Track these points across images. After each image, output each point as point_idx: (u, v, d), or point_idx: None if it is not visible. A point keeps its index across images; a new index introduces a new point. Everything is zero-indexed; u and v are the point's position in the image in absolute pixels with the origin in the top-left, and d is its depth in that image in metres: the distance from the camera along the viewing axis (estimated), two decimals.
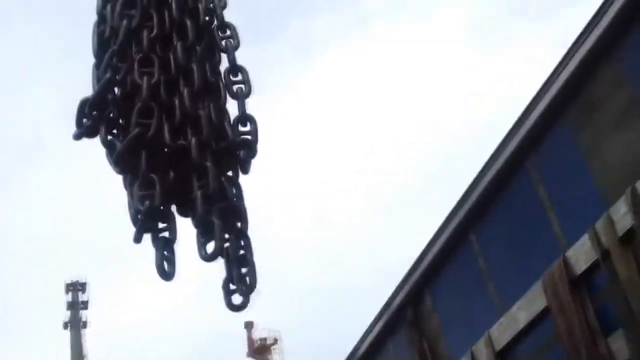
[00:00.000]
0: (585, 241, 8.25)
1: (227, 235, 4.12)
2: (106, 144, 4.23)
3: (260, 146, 4.38)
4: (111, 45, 4.43)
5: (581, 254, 8.35)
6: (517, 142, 9.41)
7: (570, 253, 8.51)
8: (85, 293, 58.03)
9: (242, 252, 4.11)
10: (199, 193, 4.05)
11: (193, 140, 4.15)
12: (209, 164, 4.12)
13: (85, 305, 57.78)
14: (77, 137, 4.31)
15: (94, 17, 4.66)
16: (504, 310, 9.64)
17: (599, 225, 8.02)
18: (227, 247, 4.12)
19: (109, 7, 4.54)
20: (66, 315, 57.19)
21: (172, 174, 4.11)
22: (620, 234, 7.73)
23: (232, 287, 4.10)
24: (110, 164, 4.17)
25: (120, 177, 4.21)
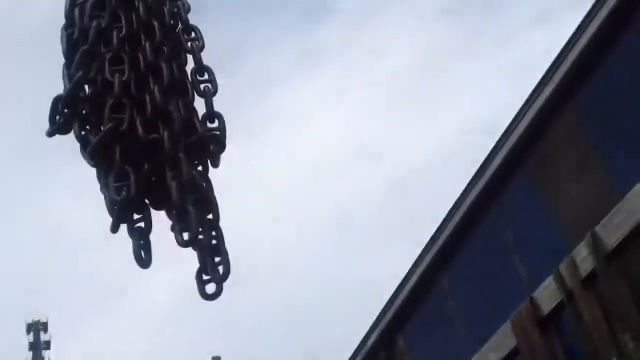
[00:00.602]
0: (550, 283, 8.66)
1: (199, 228, 4.43)
2: (80, 138, 4.39)
3: (228, 141, 4.69)
4: (80, 46, 4.60)
5: (547, 295, 8.75)
6: (481, 187, 9.84)
7: (537, 294, 8.91)
8: (48, 332, 56.96)
9: (214, 242, 4.26)
10: (173, 183, 4.24)
11: (165, 133, 4.34)
12: (181, 155, 4.31)
13: (47, 345, 56.69)
14: (51, 134, 4.48)
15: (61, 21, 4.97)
16: (475, 351, 9.99)
17: (563, 267, 8.44)
18: (200, 239, 4.23)
19: (77, 10, 4.84)
20: (28, 356, 56.07)
21: (146, 166, 4.27)
22: (583, 276, 8.15)
23: (205, 277, 4.23)
24: (85, 158, 4.34)
25: (94, 172, 4.51)
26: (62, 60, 4.89)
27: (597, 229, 8.02)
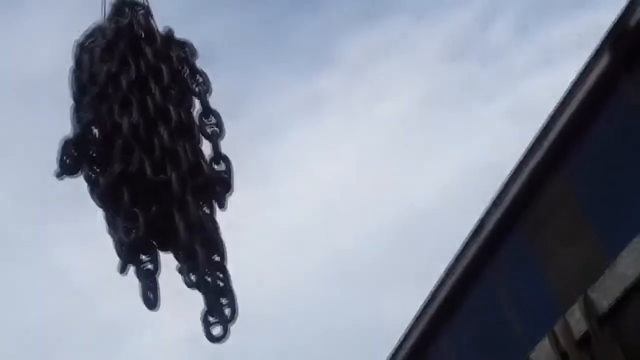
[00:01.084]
0: (546, 343, 8.75)
1: (206, 269, 4.38)
2: (89, 180, 4.51)
3: (234, 183, 4.73)
4: (88, 89, 4.78)
5: (543, 356, 8.83)
6: (476, 248, 10.02)
7: (534, 355, 8.99)
8: None
9: (221, 283, 4.35)
10: (181, 223, 4.33)
11: (173, 174, 4.46)
12: (189, 197, 4.42)
13: None
14: (59, 175, 4.59)
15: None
16: None
17: (557, 328, 8.54)
18: (207, 280, 4.36)
19: (87, 55, 4.89)
20: None
21: (153, 207, 4.37)
22: (577, 338, 8.25)
23: (210, 319, 4.34)
24: (94, 199, 4.44)
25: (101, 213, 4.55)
26: (68, 104, 5.03)
27: (589, 291, 8.14)
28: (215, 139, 4.86)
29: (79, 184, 4.81)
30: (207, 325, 4.35)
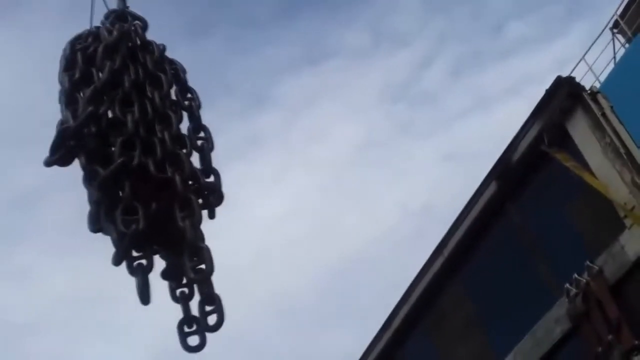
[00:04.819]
0: None
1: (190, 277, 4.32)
2: (87, 170, 4.44)
3: (224, 195, 4.67)
4: (83, 86, 4.74)
5: None
6: (385, 341, 11.12)
7: None
8: None
9: (208, 291, 4.25)
10: (186, 222, 4.30)
11: (177, 175, 4.44)
12: (192, 196, 4.43)
13: None
14: (49, 164, 4.55)
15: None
16: None
17: None
18: (182, 291, 4.30)
19: (79, 54, 4.99)
20: None
21: (153, 204, 4.31)
22: None
23: (186, 329, 4.25)
24: (90, 188, 4.37)
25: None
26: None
27: None
28: (206, 152, 4.89)
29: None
30: (182, 335, 4.26)
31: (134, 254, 4.27)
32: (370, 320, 11.26)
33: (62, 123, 4.66)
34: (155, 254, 4.32)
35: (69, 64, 4.97)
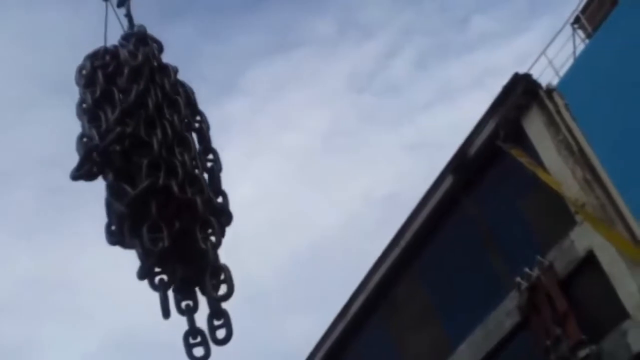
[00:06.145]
0: None
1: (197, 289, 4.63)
2: (115, 187, 4.69)
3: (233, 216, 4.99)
4: (105, 104, 5.02)
5: None
6: (341, 329, 11.22)
7: None
8: None
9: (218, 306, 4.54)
10: (208, 243, 4.61)
11: (198, 196, 4.71)
12: (213, 219, 4.72)
13: None
14: (76, 178, 4.77)
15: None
16: None
17: None
18: (188, 304, 4.55)
19: (100, 73, 5.24)
20: None
21: (176, 224, 4.56)
22: None
23: (191, 340, 4.46)
24: (117, 205, 4.60)
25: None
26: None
27: None
28: (216, 173, 5.15)
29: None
30: (189, 346, 4.51)
31: (157, 269, 4.47)
32: (332, 307, 11.37)
33: (82, 136, 4.91)
34: (175, 270, 4.50)
35: (89, 81, 5.16)
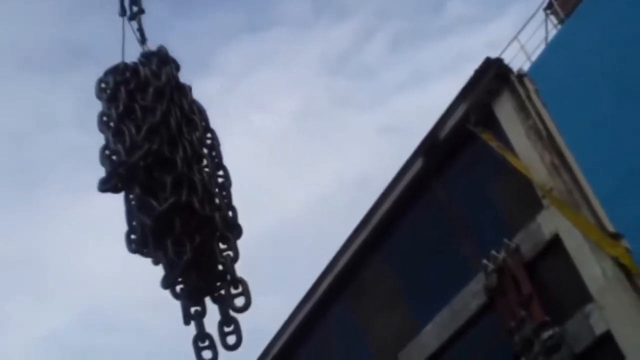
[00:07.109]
0: None
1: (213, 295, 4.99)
2: (142, 201, 4.98)
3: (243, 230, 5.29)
4: (124, 119, 5.26)
5: None
6: (307, 310, 11.23)
7: None
8: None
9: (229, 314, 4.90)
10: (228, 257, 4.97)
11: (217, 213, 5.05)
12: (230, 234, 5.08)
13: None
14: (104, 190, 5.06)
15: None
16: None
17: None
18: (197, 310, 4.90)
19: (123, 89, 5.46)
20: None
21: (197, 238, 4.87)
22: None
23: (200, 344, 4.82)
24: (146, 218, 4.90)
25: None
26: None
27: (400, 355, 9.51)
28: (227, 189, 5.43)
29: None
30: (198, 349, 4.84)
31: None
32: (301, 287, 11.40)
33: (105, 148, 5.18)
34: (195, 281, 4.80)
35: (112, 96, 5.43)
